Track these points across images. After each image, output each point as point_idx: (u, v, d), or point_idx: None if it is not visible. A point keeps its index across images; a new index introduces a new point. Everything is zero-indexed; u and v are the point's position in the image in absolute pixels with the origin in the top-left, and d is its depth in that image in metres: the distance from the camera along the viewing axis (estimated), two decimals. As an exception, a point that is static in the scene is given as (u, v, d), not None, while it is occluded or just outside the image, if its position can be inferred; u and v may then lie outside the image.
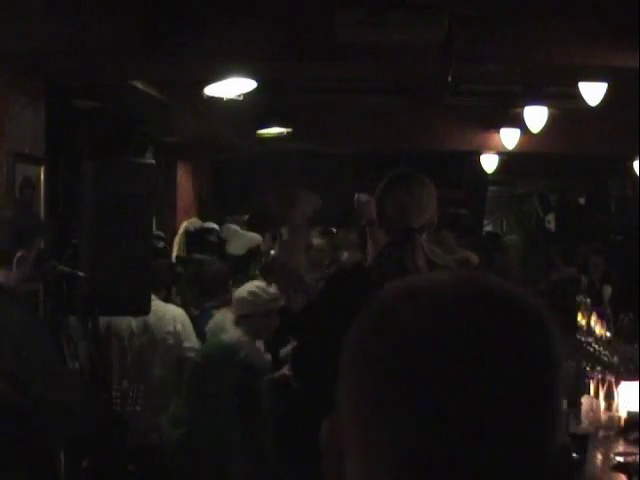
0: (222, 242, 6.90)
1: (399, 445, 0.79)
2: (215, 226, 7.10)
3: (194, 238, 6.67)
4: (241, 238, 6.78)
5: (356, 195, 3.91)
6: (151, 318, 4.71)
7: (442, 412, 0.78)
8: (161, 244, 6.49)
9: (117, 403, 3.75)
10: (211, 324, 4.83)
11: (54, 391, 3.02)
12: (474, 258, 5.54)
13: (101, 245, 3.99)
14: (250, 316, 4.66)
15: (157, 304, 4.75)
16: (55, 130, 5.32)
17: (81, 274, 3.71)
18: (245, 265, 6.40)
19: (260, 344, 4.91)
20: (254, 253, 6.53)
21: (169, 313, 4.80)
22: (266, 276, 4.80)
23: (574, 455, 3.71)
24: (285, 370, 4.96)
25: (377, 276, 2.94)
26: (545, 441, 0.81)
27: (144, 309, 4.25)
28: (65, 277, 3.70)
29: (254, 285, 4.80)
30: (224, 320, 4.78)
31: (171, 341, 4.75)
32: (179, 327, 4.77)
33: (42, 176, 5.09)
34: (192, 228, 6.86)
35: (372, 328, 0.83)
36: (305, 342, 3.21)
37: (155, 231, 5.98)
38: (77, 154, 5.82)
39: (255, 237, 6.73)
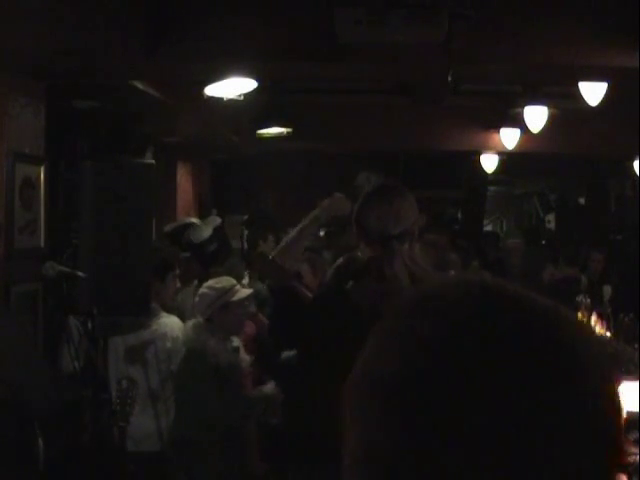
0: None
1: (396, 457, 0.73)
2: (193, 220, 7.05)
3: (173, 238, 6.60)
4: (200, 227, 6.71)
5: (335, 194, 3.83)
6: (145, 333, 4.71)
7: (456, 431, 0.71)
8: None
9: (117, 403, 3.74)
10: (185, 333, 4.84)
11: (23, 376, 3.12)
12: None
13: (101, 245, 3.99)
14: (210, 316, 4.67)
15: (156, 319, 4.75)
16: (55, 130, 5.32)
17: (81, 274, 3.71)
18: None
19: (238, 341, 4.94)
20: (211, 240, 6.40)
21: (161, 329, 4.77)
22: (253, 268, 4.79)
23: None
24: None
25: (358, 296, 2.92)
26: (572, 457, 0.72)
27: (143, 309, 4.26)
28: (65, 277, 3.70)
29: (204, 286, 4.81)
30: (193, 326, 4.81)
31: (162, 357, 4.74)
32: (168, 345, 4.75)
33: (42, 176, 5.08)
34: (169, 229, 6.80)
35: (384, 344, 0.77)
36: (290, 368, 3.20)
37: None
38: (77, 154, 5.82)
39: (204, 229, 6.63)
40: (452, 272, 5.57)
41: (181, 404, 4.65)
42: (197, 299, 4.80)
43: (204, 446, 4.49)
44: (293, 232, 3.95)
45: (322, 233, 7.32)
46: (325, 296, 3.29)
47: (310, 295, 3.44)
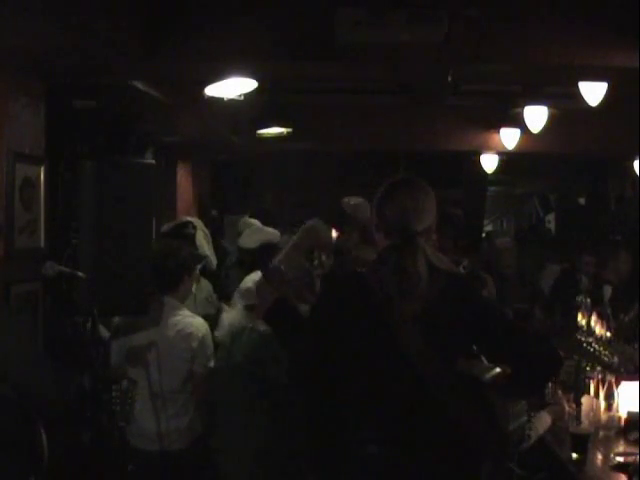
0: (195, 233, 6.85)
1: None
2: (190, 219, 7.05)
3: (172, 237, 6.60)
4: (255, 232, 6.76)
5: (345, 199, 3.85)
6: (170, 332, 4.67)
7: None
8: None
9: (117, 403, 3.75)
10: (221, 328, 4.80)
11: (26, 375, 3.14)
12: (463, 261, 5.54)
13: (101, 245, 3.99)
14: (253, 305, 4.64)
15: (181, 317, 4.73)
16: (55, 130, 5.32)
17: (81, 274, 3.72)
18: (258, 259, 6.33)
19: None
20: (268, 248, 6.47)
21: (187, 329, 4.73)
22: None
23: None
24: None
25: (374, 280, 2.93)
26: None
27: (143, 309, 4.25)
28: (65, 277, 3.71)
29: (260, 275, 4.76)
30: (235, 316, 4.78)
31: (187, 356, 4.70)
32: (195, 344, 4.70)
33: (42, 176, 5.09)
34: (167, 228, 6.80)
35: None
36: (300, 350, 3.17)
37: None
38: (77, 154, 5.82)
39: (270, 232, 6.71)
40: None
41: (229, 389, 4.61)
42: (253, 284, 4.71)
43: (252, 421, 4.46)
44: (274, 260, 3.95)
45: None
46: (338, 275, 3.31)
47: (306, 310, 3.43)
